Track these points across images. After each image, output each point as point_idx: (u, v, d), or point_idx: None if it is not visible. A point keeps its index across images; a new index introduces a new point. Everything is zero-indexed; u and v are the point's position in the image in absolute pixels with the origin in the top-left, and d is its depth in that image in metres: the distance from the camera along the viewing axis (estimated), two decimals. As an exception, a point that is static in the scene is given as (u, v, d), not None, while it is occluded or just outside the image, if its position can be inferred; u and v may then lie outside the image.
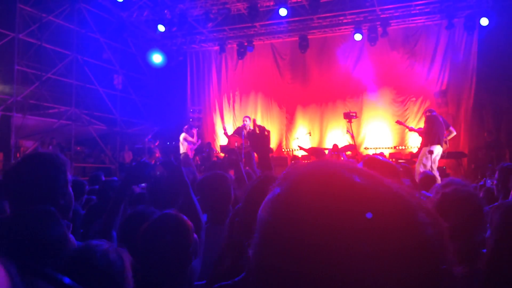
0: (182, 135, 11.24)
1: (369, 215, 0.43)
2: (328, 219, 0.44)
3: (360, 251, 0.42)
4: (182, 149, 11.13)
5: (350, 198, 0.46)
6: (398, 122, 10.69)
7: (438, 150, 8.08)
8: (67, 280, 1.37)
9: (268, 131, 10.16)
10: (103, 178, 5.21)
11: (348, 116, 11.03)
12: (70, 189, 1.74)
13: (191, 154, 11.24)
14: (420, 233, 0.45)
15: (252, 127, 9.78)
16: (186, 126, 11.58)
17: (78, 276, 1.21)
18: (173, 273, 1.54)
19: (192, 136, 11.37)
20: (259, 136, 9.10)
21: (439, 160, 8.55)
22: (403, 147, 12.72)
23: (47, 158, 1.68)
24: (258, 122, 14.08)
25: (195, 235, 1.65)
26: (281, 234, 0.46)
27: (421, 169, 7.65)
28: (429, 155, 7.95)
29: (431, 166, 7.84)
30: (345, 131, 12.12)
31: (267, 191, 1.24)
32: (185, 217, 1.63)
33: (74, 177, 5.72)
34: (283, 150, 14.21)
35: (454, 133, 8.87)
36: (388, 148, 12.81)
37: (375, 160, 2.22)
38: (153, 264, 1.51)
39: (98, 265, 1.28)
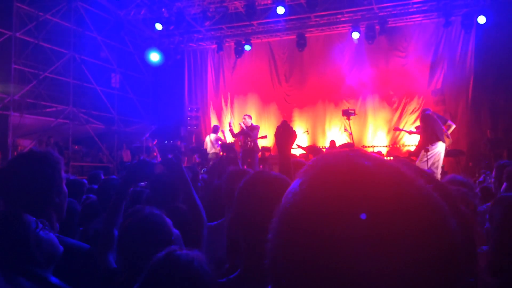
0: (213, 136, 11.38)
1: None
2: (349, 214, 0.43)
3: (382, 250, 0.41)
4: (213, 150, 11.27)
5: (374, 191, 0.44)
6: (395, 129, 10.71)
7: (440, 147, 7.84)
8: (53, 279, 1.32)
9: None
10: (102, 177, 5.19)
11: (347, 114, 10.92)
12: (65, 187, 1.73)
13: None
14: (451, 241, 0.44)
15: (249, 125, 9.79)
16: (216, 129, 11.79)
17: None
18: None
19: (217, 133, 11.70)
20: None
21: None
22: (400, 146, 12.75)
23: (41, 156, 1.65)
24: (256, 121, 14.11)
25: (175, 230, 1.65)
26: (301, 224, 0.46)
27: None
28: (425, 153, 7.93)
29: (433, 164, 7.78)
30: (343, 129, 12.10)
31: (259, 186, 1.24)
32: (157, 213, 1.63)
33: (74, 176, 5.71)
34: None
35: (454, 126, 8.74)
36: (386, 146, 12.83)
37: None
38: (137, 261, 1.50)
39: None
